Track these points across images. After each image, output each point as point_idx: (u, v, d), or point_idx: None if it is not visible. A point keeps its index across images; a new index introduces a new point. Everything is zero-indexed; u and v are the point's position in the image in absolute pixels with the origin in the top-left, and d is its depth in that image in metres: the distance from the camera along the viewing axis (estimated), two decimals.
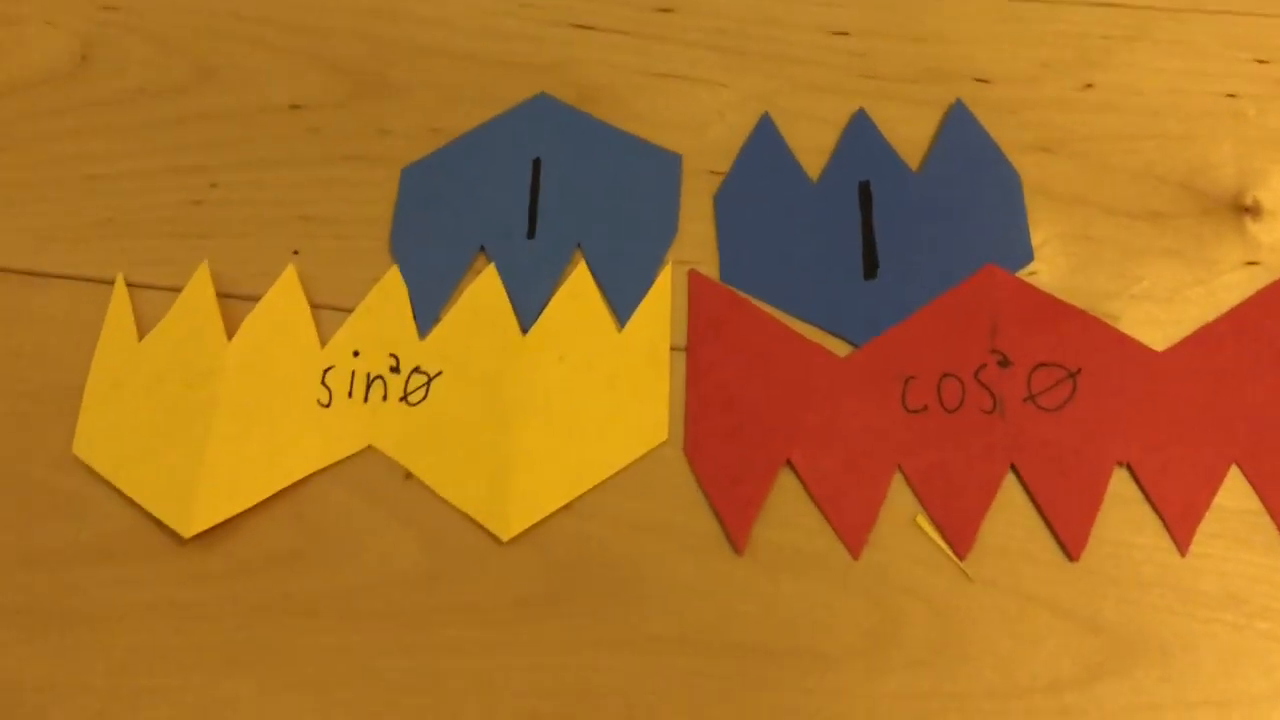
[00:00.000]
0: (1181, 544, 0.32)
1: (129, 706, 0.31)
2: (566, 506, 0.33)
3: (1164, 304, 0.35)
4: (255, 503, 0.34)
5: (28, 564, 0.34)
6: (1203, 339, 0.34)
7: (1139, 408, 0.33)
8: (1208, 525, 0.32)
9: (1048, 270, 0.35)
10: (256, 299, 0.37)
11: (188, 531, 0.33)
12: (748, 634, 0.32)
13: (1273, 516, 0.32)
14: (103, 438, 0.35)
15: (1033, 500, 0.32)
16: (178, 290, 0.37)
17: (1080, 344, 0.34)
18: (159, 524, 0.34)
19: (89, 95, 0.40)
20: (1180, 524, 0.32)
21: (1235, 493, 0.32)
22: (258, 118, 0.40)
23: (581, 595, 0.32)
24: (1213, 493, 0.32)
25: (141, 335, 0.37)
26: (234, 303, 0.37)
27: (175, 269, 0.38)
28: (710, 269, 0.37)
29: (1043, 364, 0.34)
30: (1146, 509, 0.32)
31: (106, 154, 0.39)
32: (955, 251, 0.36)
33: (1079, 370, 0.34)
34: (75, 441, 0.35)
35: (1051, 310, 0.34)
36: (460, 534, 0.33)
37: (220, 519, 0.34)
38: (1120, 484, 0.33)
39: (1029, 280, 0.35)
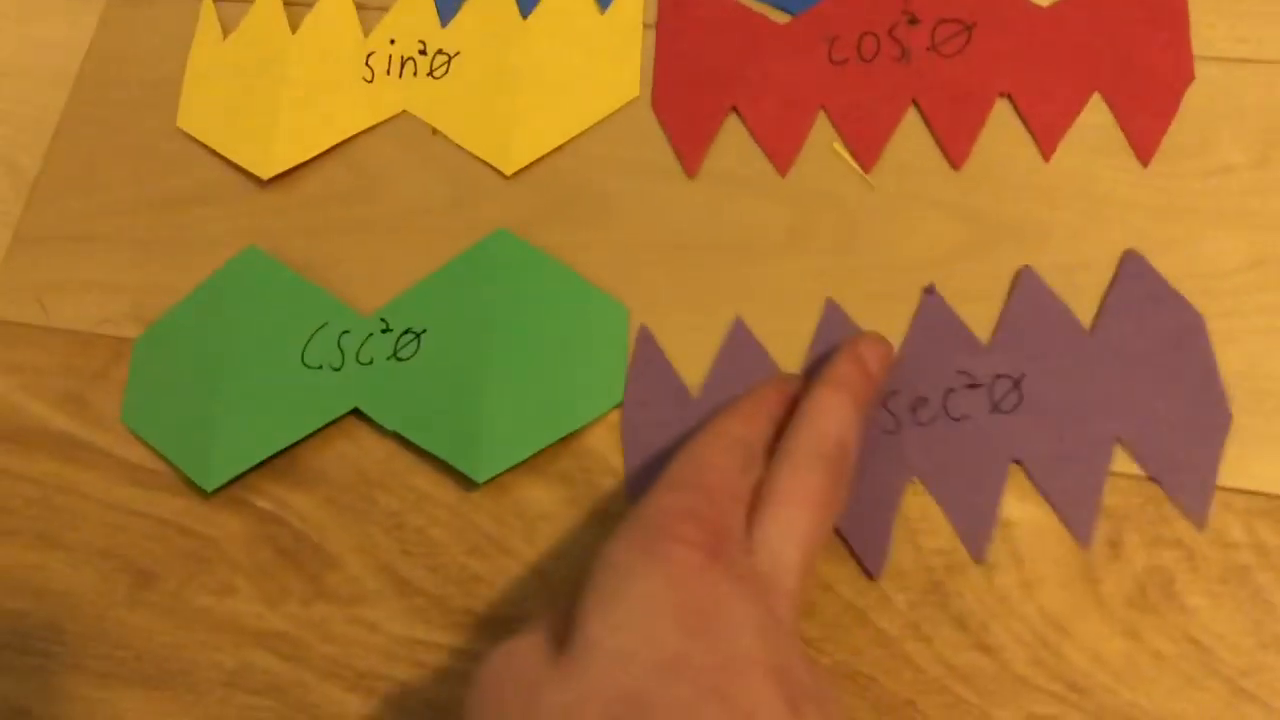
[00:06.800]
0: (1046, 152, 0.39)
1: None
2: (559, 148, 0.42)
3: None
4: (317, 153, 0.43)
5: (147, 207, 0.44)
6: None
7: (1021, 51, 0.40)
8: (1070, 139, 0.39)
9: None
10: (313, 5, 0.46)
11: (266, 174, 0.43)
12: (698, 235, 0.40)
13: (1123, 130, 0.39)
14: (199, 113, 0.45)
15: (928, 126, 0.40)
16: (252, 2, 0.47)
17: (977, 3, 0.41)
18: (245, 173, 0.44)
19: None
20: (1046, 137, 0.39)
21: (1096, 111, 0.39)
22: None
23: (571, 213, 0.41)
24: (1076, 112, 0.39)
25: (225, 37, 0.46)
26: (296, 10, 0.46)
27: None
28: None
29: (944, 19, 0.41)
30: (1022, 128, 0.40)
31: None
32: None
33: (974, 24, 0.41)
34: (179, 116, 0.45)
35: None
36: (475, 171, 0.43)
37: (291, 165, 0.43)
38: (1001, 110, 0.40)
39: None
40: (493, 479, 0.37)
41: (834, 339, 0.37)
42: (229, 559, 0.38)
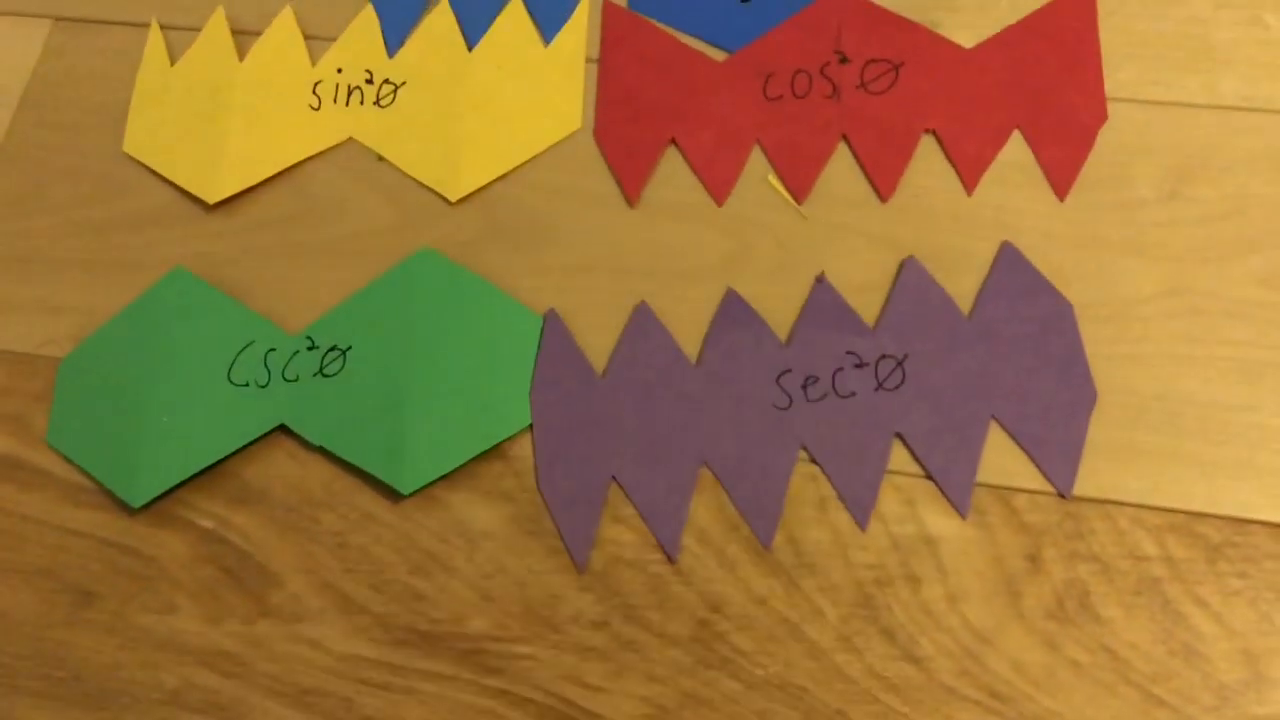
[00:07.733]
0: (969, 186, 0.41)
1: None
2: (503, 176, 0.43)
3: (977, 12, 0.44)
4: (263, 179, 0.44)
5: (92, 229, 0.44)
6: (1003, 38, 0.43)
7: (946, 90, 0.42)
8: (991, 173, 0.41)
9: None
10: (261, 33, 0.47)
11: (213, 199, 0.43)
12: (636, 261, 0.42)
13: (1041, 166, 0.41)
14: (145, 137, 0.45)
15: (857, 159, 0.42)
16: (199, 30, 0.47)
17: (904, 44, 0.43)
18: (190, 197, 0.44)
19: None
20: (969, 171, 0.41)
21: (1016, 148, 0.41)
22: None
23: (514, 239, 0.42)
24: (997, 149, 0.41)
25: (172, 63, 0.47)
26: (243, 38, 0.47)
27: (197, 15, 0.48)
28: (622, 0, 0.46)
29: (873, 59, 0.43)
30: (946, 163, 0.42)
31: None
32: None
33: (902, 64, 0.43)
34: (125, 141, 0.46)
35: (883, 19, 0.44)
36: (420, 197, 0.44)
37: (237, 190, 0.44)
38: (927, 145, 0.42)
39: None
40: (423, 492, 0.38)
41: (733, 323, 0.39)
42: (171, 578, 0.38)
